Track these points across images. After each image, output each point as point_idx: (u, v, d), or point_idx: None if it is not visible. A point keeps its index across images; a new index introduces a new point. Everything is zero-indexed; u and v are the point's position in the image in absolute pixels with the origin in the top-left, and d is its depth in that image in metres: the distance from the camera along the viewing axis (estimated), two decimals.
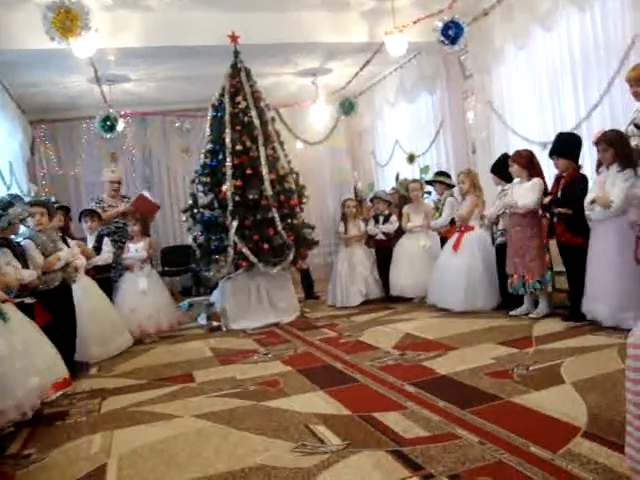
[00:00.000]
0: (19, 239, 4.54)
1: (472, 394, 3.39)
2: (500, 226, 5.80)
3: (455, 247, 6.07)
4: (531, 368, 3.76)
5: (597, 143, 4.66)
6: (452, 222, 6.56)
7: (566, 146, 5.11)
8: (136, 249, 6.35)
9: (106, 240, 6.14)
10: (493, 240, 5.96)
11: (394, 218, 7.47)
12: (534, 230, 5.41)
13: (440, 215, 6.75)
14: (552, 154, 5.21)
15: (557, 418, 2.85)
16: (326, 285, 7.93)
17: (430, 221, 7.00)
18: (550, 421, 2.84)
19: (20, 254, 4.26)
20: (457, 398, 3.30)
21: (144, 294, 6.24)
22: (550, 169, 5.50)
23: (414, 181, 7.56)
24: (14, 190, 7.12)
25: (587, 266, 4.77)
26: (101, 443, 3.21)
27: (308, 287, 8.45)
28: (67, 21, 5.41)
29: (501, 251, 5.73)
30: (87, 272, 5.75)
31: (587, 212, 4.71)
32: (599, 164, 4.79)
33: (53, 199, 5.70)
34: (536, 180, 5.36)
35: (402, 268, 7.08)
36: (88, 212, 6.32)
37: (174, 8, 6.64)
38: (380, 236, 7.55)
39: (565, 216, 4.99)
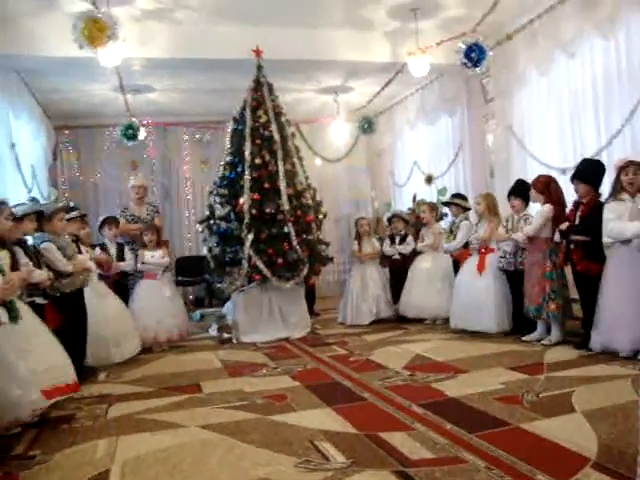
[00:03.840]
0: (31, 241, 4.59)
1: (480, 418, 3.35)
2: None
3: (480, 269, 6.02)
4: (541, 395, 3.71)
5: (627, 166, 4.57)
6: (465, 245, 6.53)
7: (589, 172, 5.06)
8: (152, 256, 6.36)
9: (126, 249, 6.26)
10: (515, 265, 5.83)
11: (410, 239, 7.45)
12: (537, 257, 5.38)
13: (454, 238, 6.72)
14: (574, 178, 5.17)
15: (566, 447, 2.81)
16: (338, 302, 7.90)
17: (441, 243, 6.98)
18: (559, 450, 2.80)
19: (34, 255, 4.31)
20: (465, 421, 3.27)
21: (169, 301, 6.30)
22: (572, 195, 5.44)
23: (424, 203, 7.56)
24: (35, 194, 7.22)
25: (600, 296, 4.72)
26: (106, 448, 3.21)
27: (309, 303, 8.34)
28: (95, 31, 5.50)
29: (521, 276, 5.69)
30: (108, 277, 5.84)
31: (629, 237, 4.57)
32: (616, 190, 4.69)
33: (72, 204, 5.77)
34: (543, 207, 5.34)
35: (412, 289, 7.06)
36: (111, 220, 6.39)
37: (201, 21, 6.72)
38: (397, 256, 7.52)
39: (583, 244, 4.94)
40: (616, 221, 4.57)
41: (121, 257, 6.22)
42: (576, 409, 3.38)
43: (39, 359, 3.71)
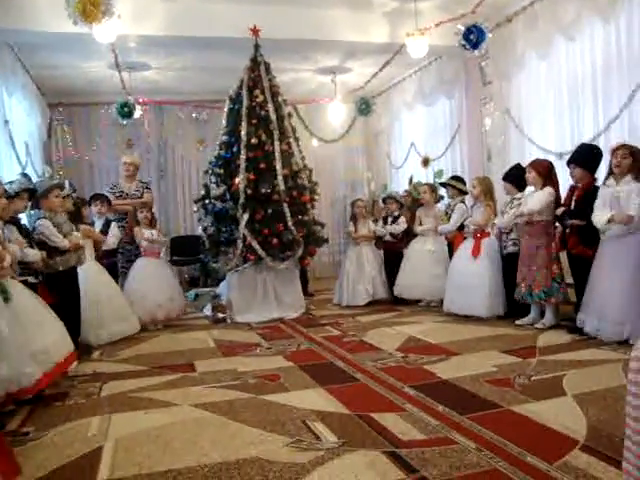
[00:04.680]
0: (25, 219, 4.58)
1: (472, 400, 3.38)
2: (513, 235, 5.78)
3: (475, 253, 6.02)
4: (533, 378, 3.74)
5: (617, 149, 4.60)
6: (460, 228, 6.53)
7: (585, 156, 5.07)
8: (152, 233, 6.39)
9: (113, 225, 6.18)
10: (501, 248, 5.91)
11: (402, 219, 7.42)
12: (542, 240, 5.36)
13: (449, 220, 6.71)
14: (570, 162, 5.17)
15: (556, 430, 2.83)
16: (333, 283, 7.92)
17: (438, 225, 6.97)
18: (549, 432, 2.82)
19: (26, 234, 4.29)
20: (456, 403, 3.29)
21: (168, 280, 6.37)
22: (566, 180, 5.45)
23: (425, 184, 7.53)
24: (29, 171, 7.16)
25: (590, 278, 4.75)
26: (99, 426, 3.23)
27: (302, 284, 8.33)
28: (89, 6, 5.42)
29: (511, 260, 5.71)
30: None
31: (602, 230, 4.66)
32: (609, 174, 4.73)
33: (67, 183, 5.72)
34: (547, 189, 5.32)
35: (410, 270, 7.05)
36: (98, 196, 6.39)
37: None
38: (388, 237, 7.52)
39: (577, 228, 4.96)
40: (597, 209, 4.67)
41: (105, 234, 6.11)
42: (567, 392, 3.41)
43: (41, 336, 3.73)
